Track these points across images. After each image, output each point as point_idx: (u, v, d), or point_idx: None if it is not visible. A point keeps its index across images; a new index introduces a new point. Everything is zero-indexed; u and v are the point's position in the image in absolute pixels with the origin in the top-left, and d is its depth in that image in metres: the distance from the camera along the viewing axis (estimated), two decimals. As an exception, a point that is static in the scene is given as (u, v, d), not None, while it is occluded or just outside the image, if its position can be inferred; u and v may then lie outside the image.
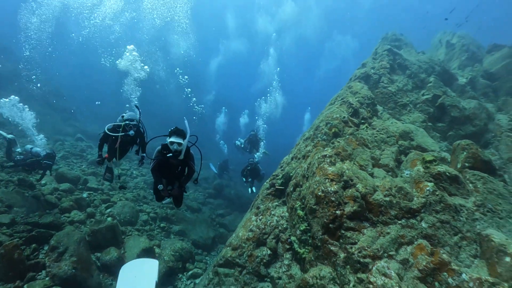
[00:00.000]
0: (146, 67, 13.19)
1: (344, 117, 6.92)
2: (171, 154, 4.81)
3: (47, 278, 6.21)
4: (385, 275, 3.69)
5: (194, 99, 30.18)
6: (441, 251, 3.84)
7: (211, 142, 30.18)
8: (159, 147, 5.04)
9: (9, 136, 9.29)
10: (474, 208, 4.87)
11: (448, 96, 9.17)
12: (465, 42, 14.49)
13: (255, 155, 14.57)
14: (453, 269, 3.63)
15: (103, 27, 30.62)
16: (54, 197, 9.20)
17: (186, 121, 4.91)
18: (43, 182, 9.72)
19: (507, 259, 3.64)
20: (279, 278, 5.26)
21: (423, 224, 4.42)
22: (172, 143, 4.78)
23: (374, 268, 3.81)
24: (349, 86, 8.63)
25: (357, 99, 7.71)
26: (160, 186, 5.09)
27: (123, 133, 6.29)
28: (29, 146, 9.22)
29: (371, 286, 3.64)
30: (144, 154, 6.69)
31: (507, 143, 7.78)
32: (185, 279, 8.43)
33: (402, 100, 8.80)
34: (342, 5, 52.88)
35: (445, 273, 3.64)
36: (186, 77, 31.56)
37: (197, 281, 8.26)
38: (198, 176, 5.44)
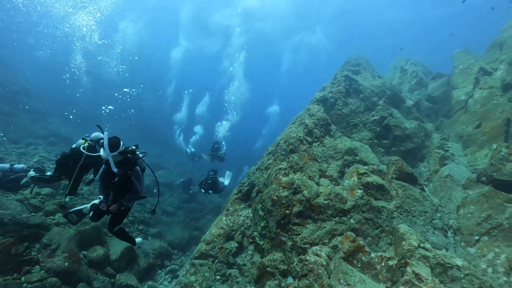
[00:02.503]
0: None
1: (300, 136, 8.37)
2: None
3: (41, 271, 7.07)
4: (317, 255, 5.09)
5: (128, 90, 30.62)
6: (359, 239, 5.29)
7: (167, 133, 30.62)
8: None
9: None
10: (394, 209, 6.38)
11: (393, 117, 10.88)
12: (415, 68, 16.59)
13: (212, 169, 14.17)
14: (366, 251, 5.08)
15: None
16: (38, 201, 9.70)
17: (105, 134, 4.51)
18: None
19: (404, 242, 5.13)
20: (244, 264, 6.54)
21: (352, 221, 5.87)
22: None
23: (310, 250, 5.20)
24: (308, 108, 10.13)
25: (312, 120, 9.19)
26: (100, 197, 4.85)
27: (96, 154, 5.98)
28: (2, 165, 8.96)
29: (307, 262, 5.01)
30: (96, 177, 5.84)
31: (434, 158, 9.51)
32: (163, 274, 9.49)
33: (353, 121, 10.41)
34: (312, 2, 48.96)
35: (360, 253, 5.08)
36: (123, 67, 32.54)
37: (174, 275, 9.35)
38: (155, 207, 5.67)
